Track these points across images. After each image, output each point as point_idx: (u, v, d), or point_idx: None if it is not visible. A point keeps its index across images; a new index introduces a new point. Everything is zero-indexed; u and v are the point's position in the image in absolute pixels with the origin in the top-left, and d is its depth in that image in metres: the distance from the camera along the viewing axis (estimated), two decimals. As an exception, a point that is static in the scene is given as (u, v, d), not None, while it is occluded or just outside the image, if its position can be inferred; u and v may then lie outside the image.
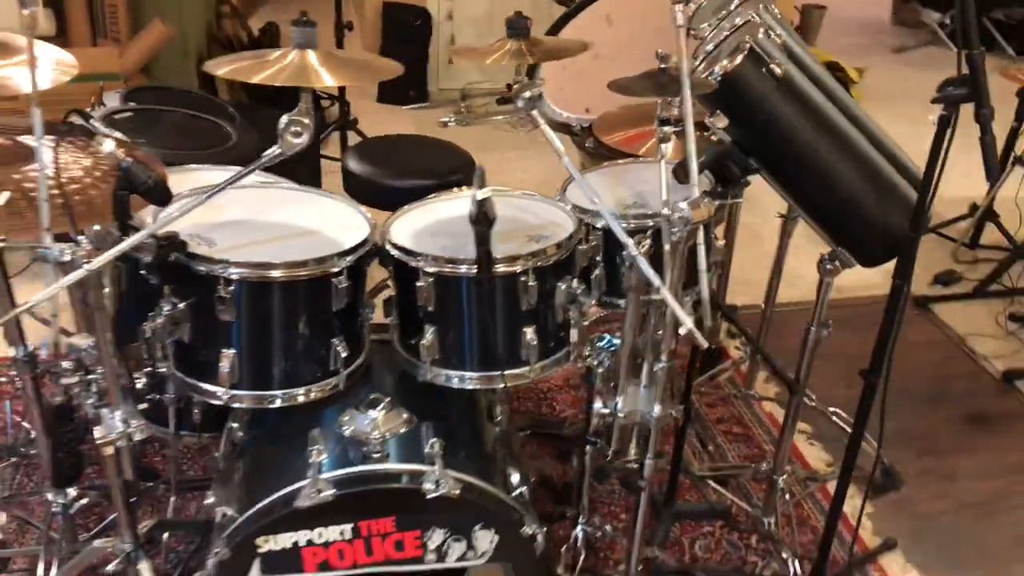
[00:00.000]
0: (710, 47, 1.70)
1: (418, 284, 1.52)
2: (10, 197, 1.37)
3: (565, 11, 2.79)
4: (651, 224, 1.61)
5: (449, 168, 2.54)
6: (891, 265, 1.61)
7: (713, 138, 1.73)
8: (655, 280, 1.41)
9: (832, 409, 2.54)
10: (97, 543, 1.74)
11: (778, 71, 1.57)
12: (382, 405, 1.57)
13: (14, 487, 2.21)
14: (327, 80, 1.30)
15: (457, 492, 1.46)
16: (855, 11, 6.56)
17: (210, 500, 1.64)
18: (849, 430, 1.77)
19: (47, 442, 1.92)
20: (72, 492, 1.98)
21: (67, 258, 1.40)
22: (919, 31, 6.46)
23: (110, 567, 1.69)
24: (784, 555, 2.07)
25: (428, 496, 1.45)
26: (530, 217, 1.72)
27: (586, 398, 1.69)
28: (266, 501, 1.48)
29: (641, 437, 1.67)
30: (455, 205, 1.77)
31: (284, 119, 1.33)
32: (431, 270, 1.52)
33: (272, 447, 1.65)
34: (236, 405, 1.55)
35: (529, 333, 1.56)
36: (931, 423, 2.71)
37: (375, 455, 1.52)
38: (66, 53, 1.54)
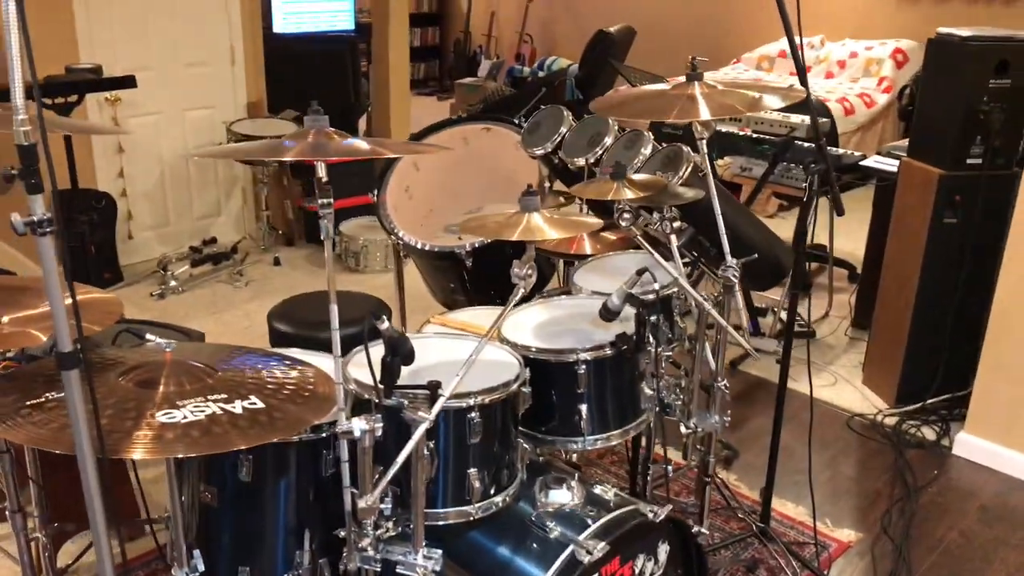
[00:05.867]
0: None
1: (579, 372, 1.97)
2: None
3: (383, 166, 3.27)
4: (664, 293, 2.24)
5: (366, 313, 2.85)
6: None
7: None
8: (722, 321, 2.08)
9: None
10: None
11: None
12: (567, 479, 1.97)
13: None
14: (550, 234, 1.73)
15: (665, 513, 1.93)
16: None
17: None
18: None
19: None
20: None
21: (367, 427, 1.60)
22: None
23: None
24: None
25: (656, 521, 1.90)
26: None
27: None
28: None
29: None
30: (530, 314, 2.21)
31: (517, 268, 1.72)
32: (587, 357, 1.97)
33: (496, 546, 1.90)
34: (481, 515, 1.82)
35: (647, 388, 2.09)
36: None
37: (591, 513, 1.91)
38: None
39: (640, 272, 1.92)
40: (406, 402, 1.63)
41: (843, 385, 3.91)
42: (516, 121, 3.20)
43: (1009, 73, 3.25)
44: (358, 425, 1.58)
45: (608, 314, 1.98)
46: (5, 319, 1.80)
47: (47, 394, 1.53)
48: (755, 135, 3.99)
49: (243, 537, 1.94)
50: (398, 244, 3.06)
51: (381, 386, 1.66)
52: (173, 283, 4.62)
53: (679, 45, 7.74)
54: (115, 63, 4.37)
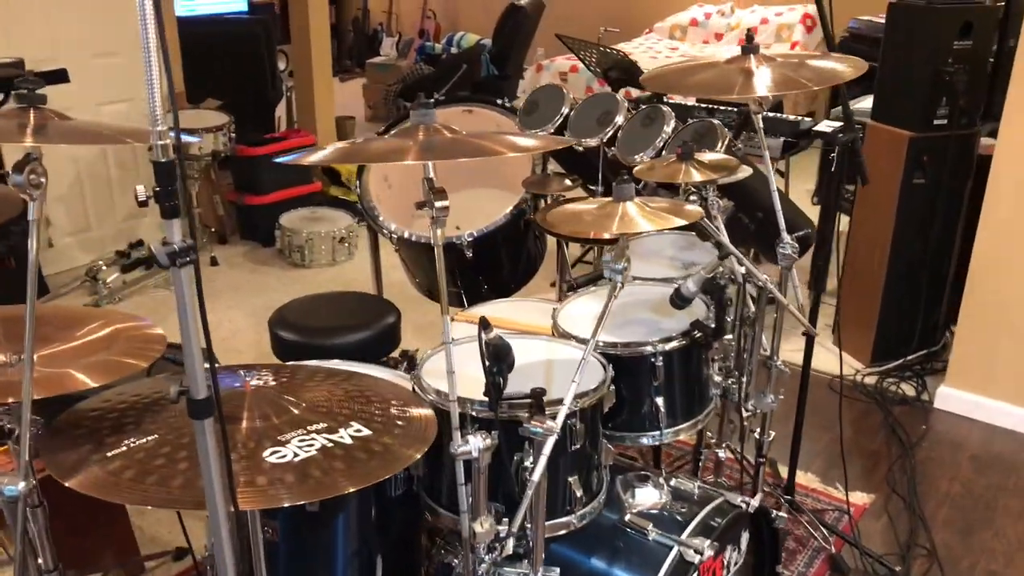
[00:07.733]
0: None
1: (656, 364, 1.88)
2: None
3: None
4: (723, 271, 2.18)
5: (378, 314, 2.69)
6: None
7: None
8: (783, 300, 2.03)
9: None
10: None
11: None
12: (651, 476, 1.89)
13: None
14: (645, 226, 1.62)
15: (759, 502, 1.88)
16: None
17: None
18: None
19: None
20: None
21: (483, 445, 1.47)
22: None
23: None
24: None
25: (750, 511, 1.84)
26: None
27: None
28: (661, 578, 1.70)
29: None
30: (580, 306, 2.11)
31: (611, 262, 1.62)
32: (667, 348, 1.88)
33: (587, 558, 1.79)
34: (579, 524, 1.72)
35: (715, 375, 2.02)
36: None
37: (683, 510, 1.84)
38: None
39: (723, 257, 1.84)
40: (526, 414, 1.49)
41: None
42: (499, 102, 3.06)
43: (971, 35, 3.33)
44: (475, 444, 1.44)
45: (681, 301, 1.89)
46: (34, 357, 1.57)
47: (126, 441, 1.34)
48: (710, 106, 3.98)
49: (309, 572, 1.78)
50: (389, 237, 2.88)
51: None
52: (106, 292, 4.28)
53: (590, 16, 7.71)
54: (16, 56, 3.97)
